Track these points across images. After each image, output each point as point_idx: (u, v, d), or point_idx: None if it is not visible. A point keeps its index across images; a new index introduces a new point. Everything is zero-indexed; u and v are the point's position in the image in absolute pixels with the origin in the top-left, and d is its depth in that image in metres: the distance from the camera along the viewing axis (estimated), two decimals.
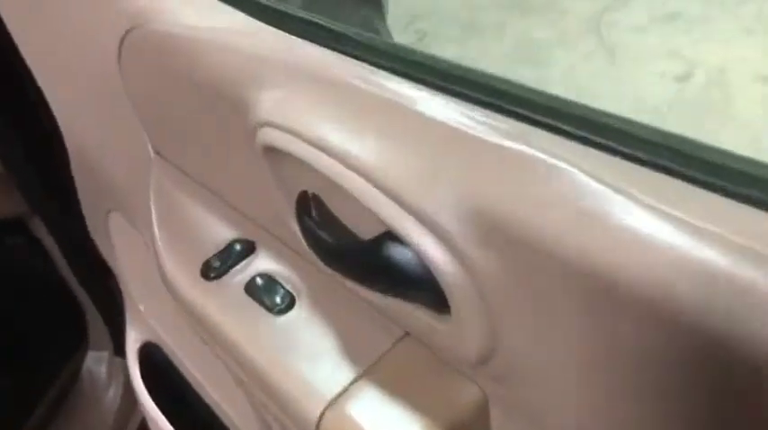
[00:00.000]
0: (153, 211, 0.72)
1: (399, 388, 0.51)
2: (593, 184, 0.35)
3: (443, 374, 0.51)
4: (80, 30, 0.72)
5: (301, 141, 0.48)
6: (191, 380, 0.97)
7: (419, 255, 0.42)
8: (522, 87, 0.41)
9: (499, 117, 0.40)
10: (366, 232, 0.48)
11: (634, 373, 0.36)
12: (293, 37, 0.51)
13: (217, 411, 0.94)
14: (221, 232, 0.67)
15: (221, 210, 0.67)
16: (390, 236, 0.45)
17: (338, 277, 0.53)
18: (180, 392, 0.99)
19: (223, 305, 0.62)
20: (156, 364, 1.05)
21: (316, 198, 0.51)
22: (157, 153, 0.73)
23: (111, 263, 1.12)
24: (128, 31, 0.62)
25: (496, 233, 0.38)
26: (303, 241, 0.54)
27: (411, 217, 0.42)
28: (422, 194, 0.41)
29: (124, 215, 0.92)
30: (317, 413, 0.52)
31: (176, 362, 1.00)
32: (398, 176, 0.42)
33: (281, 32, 0.52)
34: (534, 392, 0.44)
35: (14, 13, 0.80)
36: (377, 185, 0.43)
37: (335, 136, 0.46)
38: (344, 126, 0.46)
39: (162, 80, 0.64)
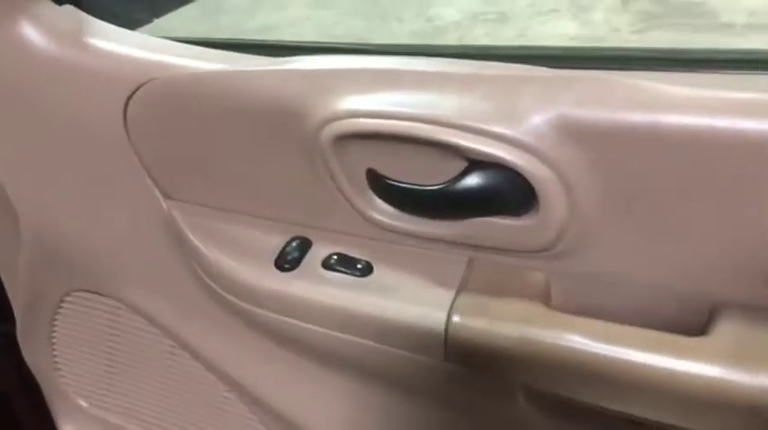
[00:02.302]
0: (193, 240, 0.76)
1: (489, 290, 0.64)
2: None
3: (513, 272, 0.65)
4: (56, 108, 0.74)
5: (376, 118, 0.59)
6: None
7: (510, 170, 0.56)
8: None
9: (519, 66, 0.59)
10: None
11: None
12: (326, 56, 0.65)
13: None
14: (271, 239, 0.73)
15: (258, 222, 0.74)
16: (466, 173, 0.59)
17: (408, 228, 0.65)
18: None
19: (313, 284, 0.69)
20: None
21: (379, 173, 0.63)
22: (169, 198, 0.77)
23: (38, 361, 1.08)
24: (138, 88, 0.68)
25: (575, 135, 0.53)
26: (368, 213, 0.66)
27: (498, 142, 0.55)
28: (507, 122, 0.55)
29: (102, 288, 0.92)
30: (441, 328, 0.63)
31: None
32: (479, 114, 0.56)
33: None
34: (606, 261, 0.59)
35: None
36: (459, 127, 0.56)
37: (413, 103, 0.58)
38: (413, 97, 0.59)
39: (187, 121, 0.69)
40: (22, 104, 0.76)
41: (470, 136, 0.56)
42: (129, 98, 0.70)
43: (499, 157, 0.56)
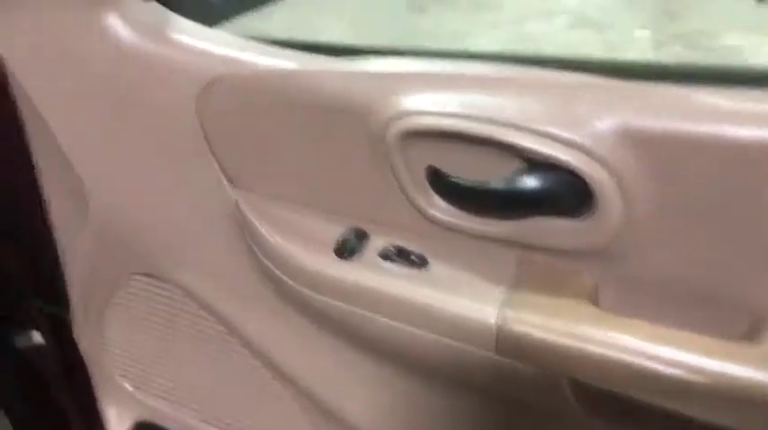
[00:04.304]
0: (258, 227, 0.80)
1: (541, 288, 0.67)
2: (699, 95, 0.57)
3: (564, 272, 0.67)
4: (135, 96, 0.79)
5: (441, 117, 0.63)
6: None
7: (568, 171, 0.59)
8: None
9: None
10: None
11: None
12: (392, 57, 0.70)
13: None
14: (331, 229, 0.77)
15: (320, 213, 0.78)
16: (525, 173, 0.62)
17: (463, 225, 0.68)
18: None
19: (371, 272, 0.73)
20: None
21: (439, 170, 0.66)
22: (236, 187, 0.82)
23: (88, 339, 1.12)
24: (212, 81, 0.73)
25: (635, 142, 0.57)
26: (425, 209, 0.69)
27: (559, 144, 0.59)
28: (568, 125, 0.58)
29: (162, 273, 0.96)
30: (494, 321, 0.67)
31: None
32: (541, 116, 0.59)
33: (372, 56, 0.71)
34: (658, 266, 0.62)
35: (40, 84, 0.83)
36: (520, 128, 0.59)
37: (476, 104, 0.62)
38: (476, 98, 0.63)
39: (257, 114, 0.74)
40: (102, 91, 0.81)
41: (532, 137, 0.60)
42: (203, 90, 0.75)
43: (559, 159, 0.60)
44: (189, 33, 0.76)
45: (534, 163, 0.61)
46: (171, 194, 0.86)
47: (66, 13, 0.76)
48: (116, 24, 0.75)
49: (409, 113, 0.64)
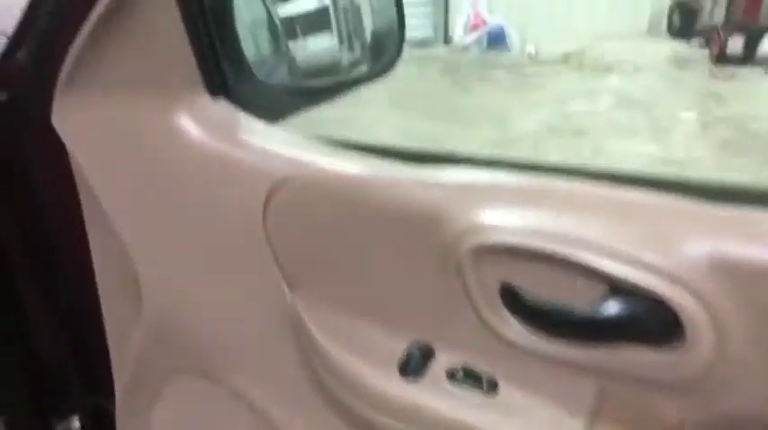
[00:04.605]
0: (316, 337, 0.77)
1: (621, 422, 0.63)
2: None
3: (647, 406, 0.62)
4: (202, 196, 0.78)
5: (520, 235, 0.59)
6: None
7: (655, 299, 0.55)
8: None
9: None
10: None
11: None
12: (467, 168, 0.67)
13: None
14: (394, 342, 0.72)
15: (382, 324, 0.73)
16: (608, 297, 0.58)
17: (539, 349, 0.63)
18: None
19: (438, 396, 0.68)
20: None
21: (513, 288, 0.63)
22: (294, 290, 0.78)
23: None
24: (280, 183, 0.71)
25: (728, 272, 0.53)
26: (498, 329, 0.65)
27: (647, 270, 0.55)
28: (657, 251, 0.55)
29: (211, 373, 0.92)
30: None
31: None
32: (628, 240, 0.56)
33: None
34: (750, 403, 0.57)
35: (112, 185, 0.83)
36: (605, 251, 0.56)
37: (557, 222, 0.59)
38: (557, 216, 0.59)
39: (322, 219, 0.72)
40: (167, 189, 0.81)
41: (618, 261, 0.57)
42: (271, 192, 0.73)
43: (647, 286, 0.56)
44: (258, 134, 0.76)
45: (619, 287, 0.58)
46: (229, 296, 0.84)
47: (138, 112, 0.76)
48: (187, 125, 0.75)
49: (484, 228, 0.61)
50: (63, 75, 0.72)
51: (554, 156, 3.28)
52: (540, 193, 0.62)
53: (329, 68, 1.10)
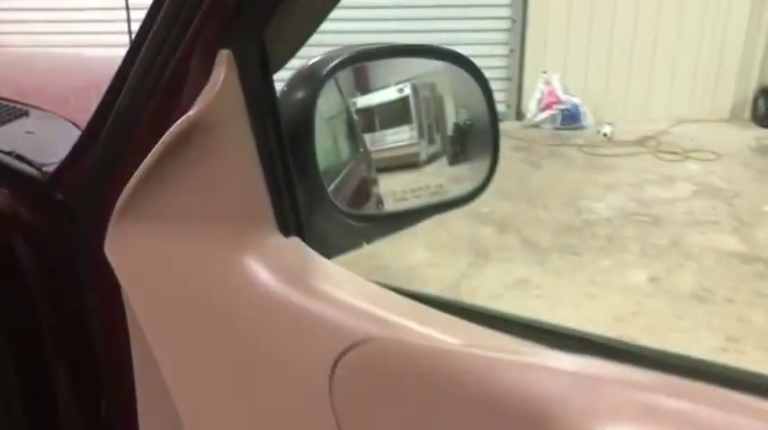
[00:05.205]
0: None
1: None
2: None
3: None
4: (264, 346, 0.71)
5: None
6: None
7: None
8: None
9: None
10: None
11: None
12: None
13: None
14: None
15: None
16: None
17: None
18: None
19: None
20: None
21: None
22: None
23: None
24: (353, 345, 0.64)
25: None
26: None
27: None
28: None
29: None
30: None
31: None
32: None
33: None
34: None
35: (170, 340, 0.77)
36: None
37: None
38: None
39: (401, 392, 0.65)
40: (225, 333, 0.74)
41: None
42: (342, 354, 0.66)
43: None
44: (331, 281, 0.68)
45: None
46: None
47: (199, 249, 0.71)
48: (255, 267, 0.68)
49: None
50: (121, 199, 0.68)
51: (632, 247, 3.15)
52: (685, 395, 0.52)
53: (406, 161, 1.05)
